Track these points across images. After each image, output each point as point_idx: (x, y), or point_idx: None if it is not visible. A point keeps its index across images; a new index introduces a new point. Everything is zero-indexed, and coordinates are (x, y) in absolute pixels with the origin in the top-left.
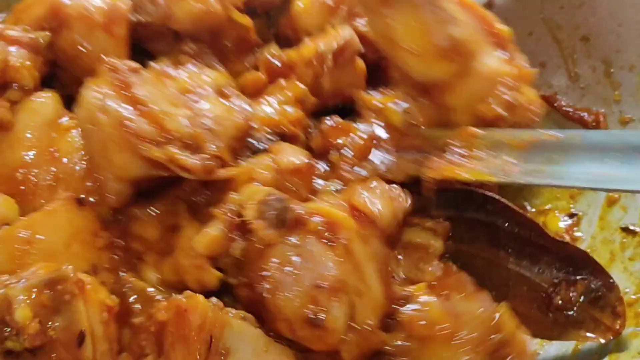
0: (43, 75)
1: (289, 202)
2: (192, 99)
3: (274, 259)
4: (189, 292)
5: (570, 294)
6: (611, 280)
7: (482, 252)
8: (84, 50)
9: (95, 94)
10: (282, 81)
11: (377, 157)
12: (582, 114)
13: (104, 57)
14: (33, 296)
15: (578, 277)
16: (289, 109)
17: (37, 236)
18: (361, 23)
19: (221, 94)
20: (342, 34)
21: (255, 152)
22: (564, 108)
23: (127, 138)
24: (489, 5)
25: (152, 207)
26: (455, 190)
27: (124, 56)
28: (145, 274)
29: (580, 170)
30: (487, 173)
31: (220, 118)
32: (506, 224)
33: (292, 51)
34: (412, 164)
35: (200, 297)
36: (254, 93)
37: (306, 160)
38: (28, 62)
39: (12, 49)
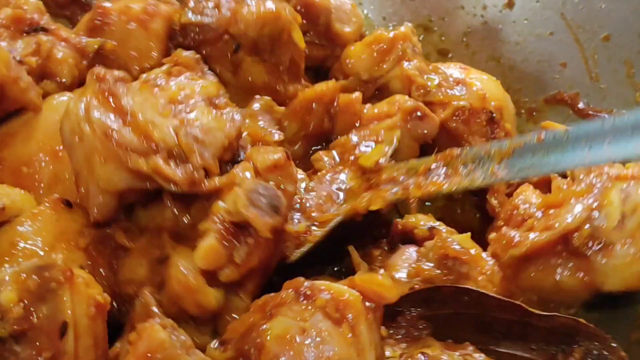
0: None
1: (277, 190)
2: (181, 109)
3: (273, 330)
4: (142, 324)
5: None
6: (612, 344)
7: (469, 340)
8: (118, 46)
9: (80, 104)
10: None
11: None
12: (603, 115)
13: (94, 69)
14: (21, 281)
15: (574, 346)
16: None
17: (19, 238)
18: (409, 66)
19: (212, 103)
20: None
21: (237, 162)
22: (585, 109)
23: (111, 149)
24: (509, 5)
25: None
26: (421, 291)
27: (160, 53)
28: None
29: (568, 158)
30: (471, 181)
31: (210, 128)
32: (486, 312)
33: None
34: (393, 192)
35: (155, 328)
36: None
37: (282, 155)
38: (71, 60)
39: (60, 44)
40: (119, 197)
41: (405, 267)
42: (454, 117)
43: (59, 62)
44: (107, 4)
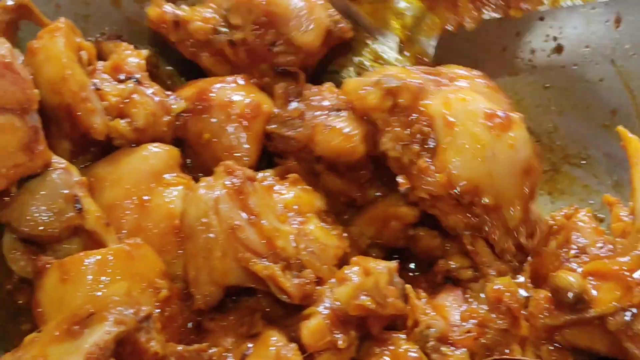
0: (160, 137)
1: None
2: (295, 218)
3: None
4: None
5: None
6: None
7: None
8: (215, 139)
9: (211, 193)
10: None
11: None
12: None
13: (225, 160)
14: None
15: None
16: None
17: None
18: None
19: (321, 218)
20: None
21: None
22: None
23: (234, 245)
24: (558, 50)
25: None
26: None
27: (254, 153)
28: None
29: None
30: None
31: (326, 245)
32: None
33: None
34: None
35: None
36: None
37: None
38: (149, 108)
39: (146, 93)
40: (226, 289)
41: (456, 309)
42: None
43: (136, 104)
44: (212, 94)
